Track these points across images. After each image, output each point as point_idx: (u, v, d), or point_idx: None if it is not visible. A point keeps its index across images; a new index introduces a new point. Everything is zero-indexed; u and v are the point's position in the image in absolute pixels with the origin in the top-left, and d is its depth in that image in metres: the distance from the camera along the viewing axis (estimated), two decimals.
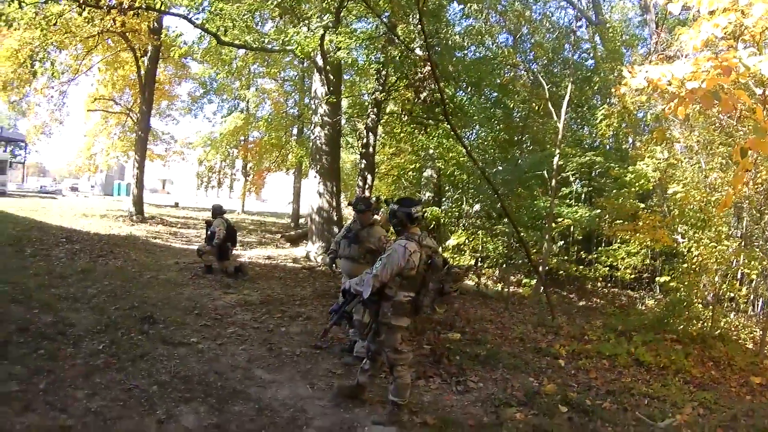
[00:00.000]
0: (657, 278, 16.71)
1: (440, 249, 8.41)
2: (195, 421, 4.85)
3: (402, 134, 19.01)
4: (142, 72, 23.15)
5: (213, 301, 9.46)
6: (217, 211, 12.09)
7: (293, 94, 30.62)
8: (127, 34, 20.66)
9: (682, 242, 12.44)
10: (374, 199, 10.71)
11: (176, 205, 38.21)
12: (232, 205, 37.15)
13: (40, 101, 25.89)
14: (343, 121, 16.99)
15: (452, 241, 17.40)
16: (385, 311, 5.06)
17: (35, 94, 24.99)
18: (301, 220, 29.69)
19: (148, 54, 22.77)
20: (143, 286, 9.83)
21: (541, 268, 14.30)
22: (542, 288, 12.53)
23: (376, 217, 7.74)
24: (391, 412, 5.30)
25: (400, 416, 5.28)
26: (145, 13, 16.14)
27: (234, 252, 12.60)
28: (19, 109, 27.44)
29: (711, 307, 11.86)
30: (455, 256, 17.73)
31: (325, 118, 15.52)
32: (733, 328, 12.20)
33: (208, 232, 11.99)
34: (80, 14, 13.71)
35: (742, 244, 12.25)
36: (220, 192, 51.67)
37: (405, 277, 5.01)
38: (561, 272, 18.37)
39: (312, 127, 16.87)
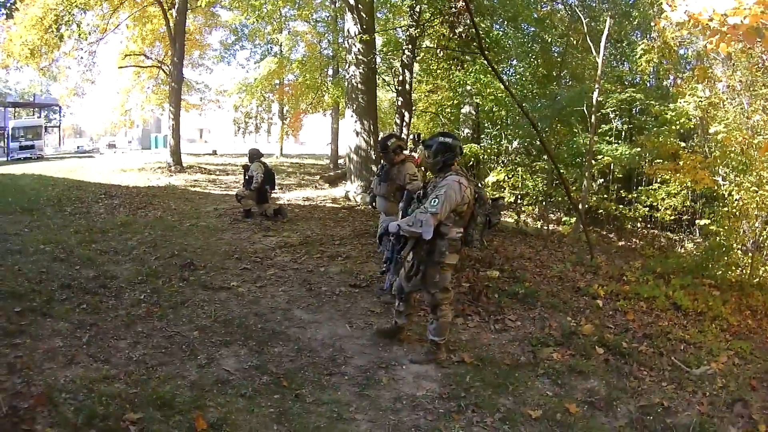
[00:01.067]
0: (697, 221, 16.36)
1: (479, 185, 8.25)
2: (235, 364, 4.88)
3: (438, 70, 18.67)
4: (171, 24, 22.91)
5: (252, 245, 9.51)
6: (254, 156, 12.04)
7: (326, 34, 30.09)
8: None
9: (723, 185, 12.05)
10: (413, 136, 10.54)
11: (214, 152, 38.40)
12: (271, 149, 37.25)
13: (70, 64, 25.81)
14: (378, 60, 16.69)
15: (492, 178, 17.17)
16: (442, 250, 4.90)
17: (65, 57, 24.93)
18: (340, 161, 29.61)
19: (176, 6, 22.50)
20: (183, 234, 9.93)
21: (580, 206, 14.03)
22: (582, 226, 12.28)
23: (413, 154, 7.61)
24: (429, 351, 5.28)
25: (438, 355, 5.25)
26: None
27: (273, 195, 12.57)
28: (50, 75, 27.48)
29: (750, 254, 11.55)
30: (494, 193, 17.50)
31: (360, 57, 15.23)
32: None
33: (246, 177, 11.96)
34: None
35: None
36: (258, 137, 51.79)
37: (458, 213, 4.89)
38: (600, 211, 18.13)
39: (347, 67, 16.57)
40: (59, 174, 19.11)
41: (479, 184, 5.31)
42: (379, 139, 7.53)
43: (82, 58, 25.07)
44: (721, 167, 12.56)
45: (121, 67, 28.14)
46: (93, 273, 7.07)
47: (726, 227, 11.54)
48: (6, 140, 33.35)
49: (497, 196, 6.78)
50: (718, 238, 11.65)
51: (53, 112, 43.28)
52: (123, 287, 6.63)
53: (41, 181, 16.57)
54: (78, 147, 44.73)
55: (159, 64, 27.17)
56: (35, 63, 22.96)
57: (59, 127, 47.59)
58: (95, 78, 28.29)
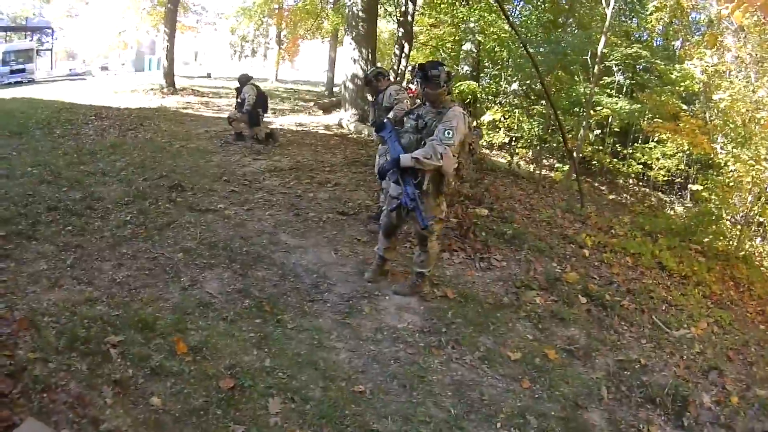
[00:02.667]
0: (689, 186, 16.29)
1: (475, 123, 8.09)
2: (218, 287, 4.90)
3: (442, 5, 18.35)
4: None
5: (242, 168, 9.46)
6: (244, 80, 11.83)
7: None
8: None
9: (721, 154, 11.93)
10: (411, 67, 10.40)
11: (208, 75, 37.81)
12: (266, 73, 36.65)
13: None
14: None
15: (488, 117, 16.98)
16: (448, 180, 4.85)
17: None
18: (336, 89, 29.23)
19: None
20: (172, 156, 9.83)
21: (575, 155, 13.90)
22: (574, 175, 12.19)
23: (410, 86, 7.61)
24: (414, 283, 5.30)
25: (422, 287, 5.28)
26: None
27: (265, 119, 12.41)
28: None
29: (739, 226, 11.53)
30: (490, 132, 17.36)
31: None
32: (757, 254, 11.86)
33: (238, 99, 11.79)
34: None
35: None
36: (254, 61, 51.00)
37: (460, 143, 4.83)
38: (594, 162, 18.04)
39: None
40: (50, 97, 18.77)
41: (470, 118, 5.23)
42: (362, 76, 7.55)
43: None
44: (720, 136, 12.47)
45: None
46: (80, 195, 6.99)
47: (718, 196, 11.53)
48: None
49: (474, 124, 6.71)
50: (709, 206, 11.65)
51: (46, 35, 42.30)
52: (109, 208, 6.59)
53: (31, 104, 16.26)
54: (70, 70, 43.87)
55: None
56: None
57: (51, 50, 46.67)
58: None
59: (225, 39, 41.05)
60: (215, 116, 15.77)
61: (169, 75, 22.54)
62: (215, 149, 10.82)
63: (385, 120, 5.36)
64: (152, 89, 21.87)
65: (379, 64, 14.62)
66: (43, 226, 5.76)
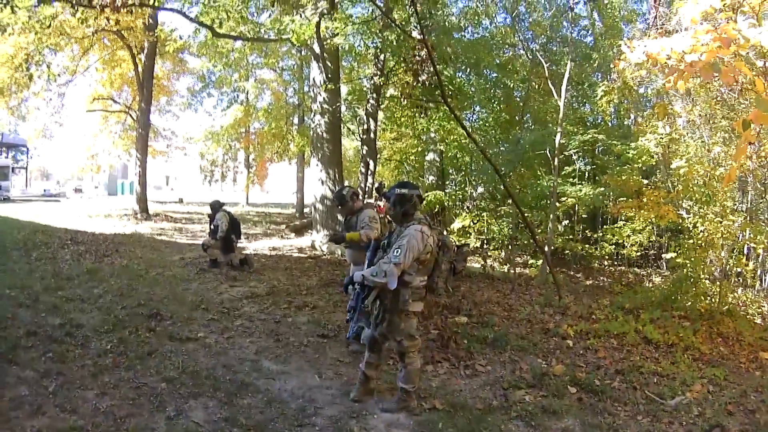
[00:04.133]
0: (663, 255, 16.65)
1: (445, 232, 8.40)
2: (204, 416, 4.86)
3: (403, 118, 18.89)
4: (140, 69, 23.11)
5: (219, 295, 9.50)
6: (216, 207, 12.09)
7: (292, 82, 30.49)
8: (123, 32, 20.64)
9: (688, 218, 12.37)
10: (376, 186, 10.68)
11: (180, 200, 38.29)
12: (236, 197, 37.18)
13: (39, 105, 25.77)
14: (343, 108, 16.98)
15: (457, 224, 17.36)
16: (405, 298, 4.98)
17: (34, 98, 24.89)
18: (306, 210, 29.69)
19: (145, 51, 22.76)
20: (149, 284, 9.86)
21: (546, 248, 14.22)
22: (548, 268, 12.47)
23: (379, 203, 7.75)
24: (400, 399, 5.30)
25: (409, 402, 5.28)
26: (139, 10, 16.11)
27: (239, 244, 12.58)
28: (18, 114, 27.28)
29: (718, 282, 11.79)
30: (460, 238, 17.67)
31: (325, 106, 15.51)
32: (740, 304, 12.10)
33: (212, 226, 11.97)
34: (74, 15, 13.67)
35: (748, 218, 12.18)
36: (224, 185, 51.66)
37: (421, 261, 4.98)
38: (567, 252, 18.30)
39: (312, 115, 16.86)
40: (25, 217, 18.85)
41: (443, 231, 5.44)
42: (334, 193, 7.73)
43: (51, 99, 25.16)
44: (684, 200, 12.87)
45: (89, 111, 28.09)
46: (59, 321, 7.00)
47: (693, 258, 11.75)
48: None
49: (462, 243, 6.88)
50: (685, 270, 11.85)
51: (21, 153, 42.72)
52: (89, 336, 6.57)
53: (7, 223, 16.36)
54: (45, 190, 44.14)
55: (127, 109, 27.16)
56: (4, 101, 22.90)
57: (26, 168, 46.99)
58: (63, 120, 28.11)
59: (195, 163, 41.78)
60: (189, 242, 15.93)
61: (142, 200, 22.85)
62: (191, 276, 10.89)
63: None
64: (126, 214, 22.15)
65: (346, 182, 15.05)
66: (23, 351, 5.76)
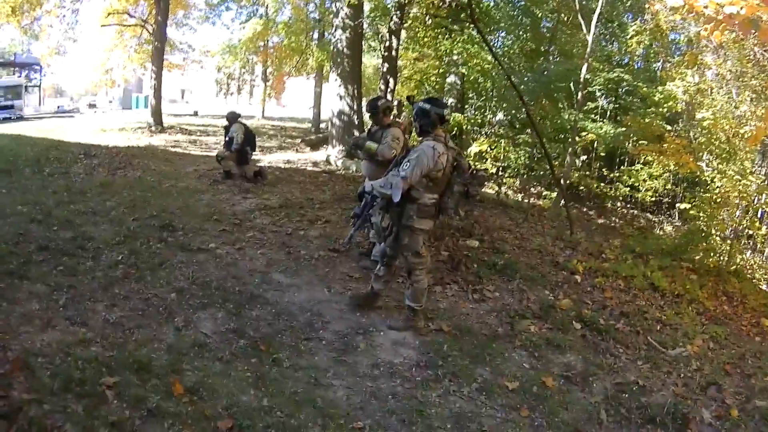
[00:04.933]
0: (677, 205, 16.45)
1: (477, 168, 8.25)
2: (212, 327, 4.89)
3: (426, 39, 18.50)
4: None
5: (232, 207, 9.46)
6: (232, 118, 11.91)
7: None
8: None
9: (707, 171, 12.09)
10: (396, 102, 10.41)
11: (196, 113, 37.98)
12: (252, 111, 36.84)
13: (52, 22, 25.30)
14: (365, 25, 16.49)
15: (474, 148, 17.13)
16: (410, 214, 4.93)
17: (47, 15, 24.43)
18: (322, 125, 29.40)
19: None
20: (162, 196, 9.84)
21: (562, 182, 14.04)
22: (563, 202, 12.29)
23: (398, 120, 7.57)
24: (407, 318, 5.32)
25: (416, 322, 5.30)
26: None
27: (253, 156, 12.47)
28: (31, 33, 26.87)
29: (729, 241, 11.64)
30: (477, 163, 17.50)
31: (347, 21, 15.06)
32: (748, 267, 11.97)
33: (227, 138, 11.85)
34: None
35: (765, 182, 11.87)
36: (240, 99, 51.24)
37: (432, 179, 4.89)
38: (582, 188, 18.16)
39: (333, 31, 16.45)
40: (38, 134, 18.76)
41: (462, 152, 5.30)
42: (369, 100, 7.48)
43: (64, 16, 24.63)
44: (705, 153, 12.62)
45: (103, 26, 27.55)
46: (71, 234, 6.97)
47: (706, 213, 11.62)
48: None
49: (482, 168, 6.72)
50: (698, 223, 11.73)
51: (34, 72, 42.36)
52: (101, 248, 6.56)
53: (20, 141, 16.28)
54: (58, 107, 43.88)
55: (142, 23, 26.59)
56: (16, 21, 22.50)
57: (40, 86, 46.69)
58: (77, 37, 27.74)
59: (211, 77, 41.34)
60: (203, 155, 15.85)
61: (157, 113, 22.67)
62: (205, 188, 10.84)
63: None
64: (140, 128, 21.97)
65: (364, 99, 14.77)
66: (35, 266, 5.73)
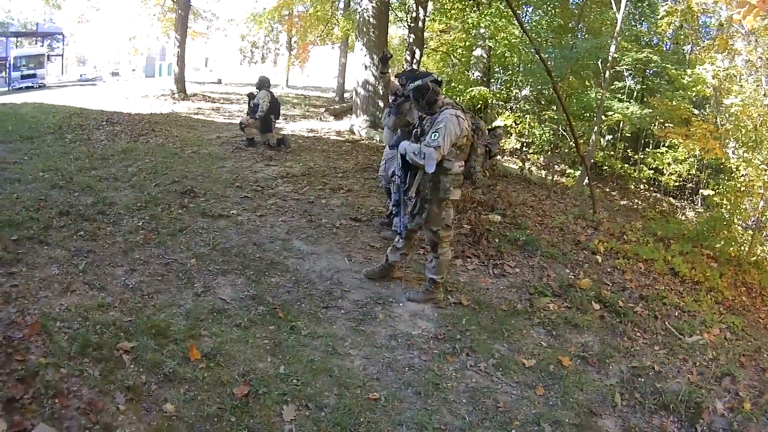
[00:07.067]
0: (701, 190, 16.19)
1: (494, 125, 8.07)
2: (231, 293, 4.89)
3: (453, 10, 18.26)
4: None
5: (254, 174, 9.42)
6: (263, 84, 11.80)
7: None
8: None
9: (733, 159, 11.82)
10: (422, 71, 10.21)
11: (219, 81, 37.94)
12: (276, 79, 36.76)
13: None
14: None
15: (499, 122, 16.94)
16: (446, 186, 4.86)
17: None
18: (346, 95, 29.24)
19: None
20: (184, 162, 9.81)
21: (586, 160, 13.83)
22: (586, 180, 12.09)
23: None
24: (427, 290, 5.27)
25: (436, 294, 5.26)
26: None
27: (277, 125, 12.39)
28: (54, 3, 26.89)
29: (751, 231, 11.40)
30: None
31: None
32: None
33: (251, 104, 11.77)
34: None
35: None
36: (263, 67, 51.09)
37: (459, 146, 4.83)
38: (606, 168, 17.96)
39: (359, 0, 16.20)
40: (61, 102, 18.83)
41: (475, 116, 5.21)
42: (401, 73, 7.33)
43: None
44: (731, 140, 12.37)
45: None
46: (92, 200, 7.00)
47: (730, 201, 11.40)
48: (8, 70, 32.89)
49: (492, 126, 6.61)
50: (720, 211, 11.53)
51: (56, 41, 42.57)
52: (121, 214, 6.58)
53: (42, 109, 16.33)
54: (81, 75, 44.04)
55: None
56: None
57: (62, 55, 46.87)
58: (100, 5, 27.73)
59: (235, 45, 41.13)
60: (226, 122, 15.80)
61: (180, 81, 22.61)
62: (227, 155, 10.78)
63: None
64: (163, 95, 21.98)
65: (391, 69, 14.63)
66: (55, 231, 5.77)
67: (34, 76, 31.36)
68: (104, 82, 35.94)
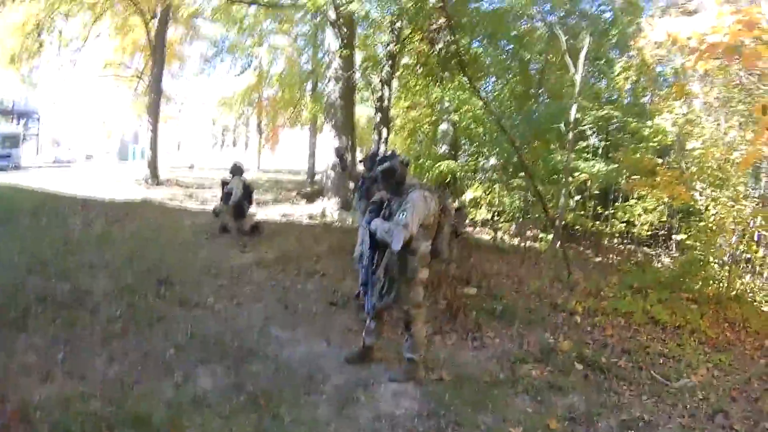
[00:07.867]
0: (674, 236, 16.53)
1: (456, 203, 8.29)
2: (212, 383, 4.88)
3: (417, 87, 18.67)
4: (152, 35, 22.90)
5: (229, 261, 9.46)
6: (237, 170, 12.02)
7: (306, 49, 30.04)
8: None
9: (700, 200, 12.21)
10: (390, 152, 10.49)
11: (191, 167, 38.15)
12: (248, 163, 37.08)
13: (50, 72, 25.67)
14: (357, 75, 16.76)
15: (469, 195, 17.26)
16: (414, 265, 4.98)
17: (45, 65, 24.80)
18: (317, 176, 29.59)
19: (158, 16, 22.51)
20: (159, 249, 9.85)
21: (557, 223, 14.12)
22: (558, 243, 12.35)
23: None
24: (407, 369, 5.30)
25: (417, 372, 5.29)
26: None
27: (250, 210, 12.53)
28: (29, 82, 27.16)
29: (727, 267, 11.69)
30: (472, 209, 17.60)
31: (339, 72, 15.35)
32: (748, 290, 11.96)
33: (225, 191, 11.92)
34: None
35: (760, 204, 11.97)
36: (235, 150, 51.55)
37: (425, 225, 4.96)
38: (577, 227, 18.17)
39: (326, 82, 16.71)
40: (36, 185, 18.85)
41: (443, 194, 5.40)
42: (364, 158, 7.59)
43: (62, 66, 24.94)
44: (698, 182, 12.72)
45: (100, 77, 27.89)
46: (69, 287, 7.00)
47: (703, 241, 11.63)
48: None
49: (458, 206, 6.79)
50: (694, 252, 11.74)
51: (32, 121, 42.63)
52: (99, 302, 6.58)
53: (17, 191, 16.37)
54: (55, 157, 44.04)
55: (139, 75, 26.90)
56: (15, 69, 22.79)
57: (38, 135, 46.90)
58: (74, 87, 28.02)
59: (207, 129, 41.65)
60: (200, 209, 15.87)
61: (153, 166, 22.79)
62: (201, 242, 10.87)
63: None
64: (137, 180, 22.06)
65: (359, 150, 14.94)
66: (33, 318, 5.77)
67: (9, 156, 30.94)
68: (78, 165, 35.93)
